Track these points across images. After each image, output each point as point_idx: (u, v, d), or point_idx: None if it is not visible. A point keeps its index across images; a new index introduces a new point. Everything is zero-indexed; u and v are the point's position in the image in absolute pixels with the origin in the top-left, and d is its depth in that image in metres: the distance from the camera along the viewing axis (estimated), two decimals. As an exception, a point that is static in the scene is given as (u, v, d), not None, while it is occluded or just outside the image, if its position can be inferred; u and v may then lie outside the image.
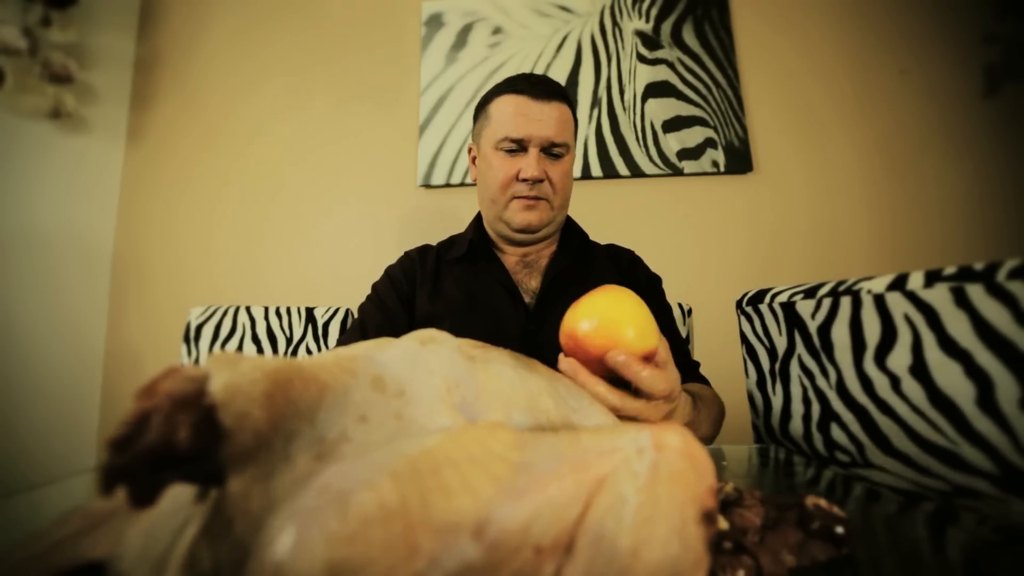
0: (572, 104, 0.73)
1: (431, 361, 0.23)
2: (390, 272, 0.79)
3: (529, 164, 0.67)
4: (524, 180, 0.69)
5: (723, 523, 0.23)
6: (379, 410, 0.19)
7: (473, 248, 0.76)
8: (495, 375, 0.25)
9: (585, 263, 0.76)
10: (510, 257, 0.77)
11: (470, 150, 0.79)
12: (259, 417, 0.15)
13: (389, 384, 0.21)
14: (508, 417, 0.23)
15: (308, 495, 0.14)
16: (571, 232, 0.79)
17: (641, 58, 1.43)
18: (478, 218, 0.81)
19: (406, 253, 0.82)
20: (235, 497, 0.15)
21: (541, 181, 0.69)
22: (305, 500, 0.14)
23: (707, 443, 0.59)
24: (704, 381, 0.72)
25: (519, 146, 0.69)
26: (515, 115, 0.68)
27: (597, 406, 0.30)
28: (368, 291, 0.80)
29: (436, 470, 0.15)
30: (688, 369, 0.71)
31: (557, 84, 0.72)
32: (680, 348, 0.72)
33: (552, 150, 0.69)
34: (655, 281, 0.79)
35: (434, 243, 0.84)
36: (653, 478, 0.16)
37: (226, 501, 0.15)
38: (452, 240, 0.83)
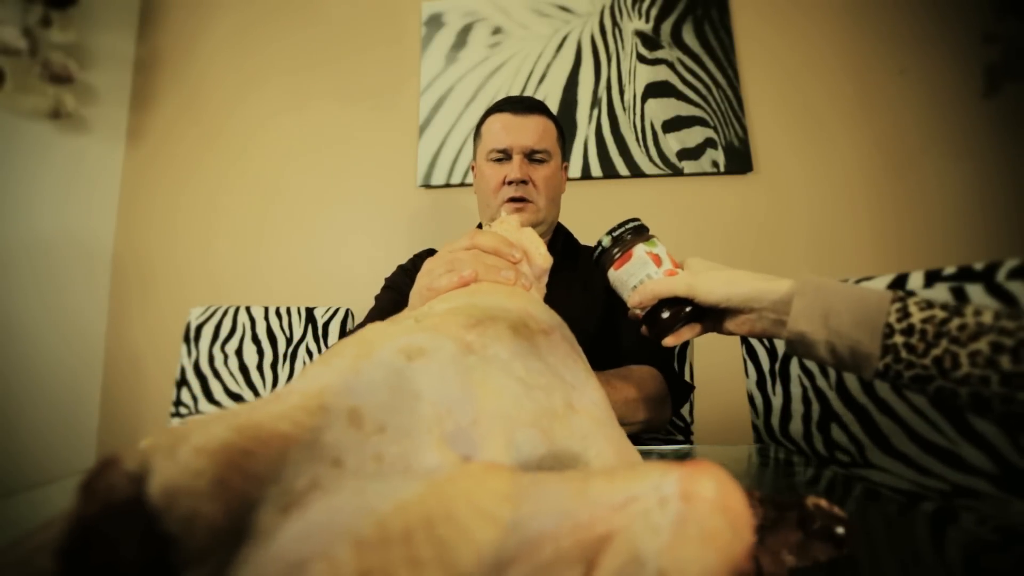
0: (554, 117, 0.84)
1: (418, 382, 0.20)
2: (402, 265, 0.88)
3: (513, 168, 0.78)
4: (510, 183, 0.78)
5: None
6: (355, 451, 0.17)
7: None
8: (495, 392, 0.22)
9: (573, 260, 0.84)
10: None
11: (472, 167, 0.89)
12: (211, 513, 0.13)
13: (367, 418, 0.18)
14: (511, 440, 0.21)
15: (260, 565, 0.13)
16: (558, 234, 0.87)
17: (641, 58, 1.43)
18: (479, 225, 0.88)
19: (416, 254, 0.90)
20: None
21: (525, 183, 0.78)
22: (256, 570, 0.13)
23: (623, 423, 0.60)
24: (666, 366, 0.74)
25: (505, 155, 0.79)
26: (500, 130, 0.79)
27: (592, 380, 0.29)
28: (370, 291, 0.85)
29: (407, 536, 0.13)
30: (641, 353, 0.73)
31: (537, 101, 0.83)
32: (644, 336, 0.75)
33: (534, 155, 0.79)
34: None
35: (438, 247, 0.90)
36: (679, 537, 0.13)
37: None
38: None
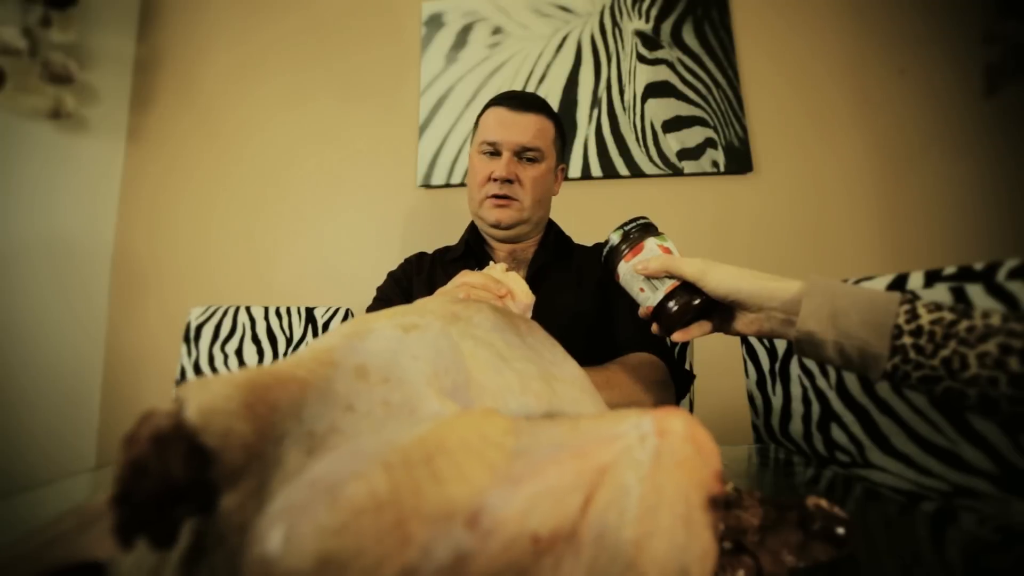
0: (555, 117, 0.82)
1: (415, 347, 0.23)
2: (392, 273, 0.87)
3: (500, 165, 0.76)
4: (495, 180, 0.76)
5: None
6: (365, 398, 0.19)
7: (469, 247, 0.84)
8: (483, 364, 0.24)
9: (566, 257, 0.84)
10: (500, 253, 0.84)
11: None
12: (243, 430, 0.15)
13: (372, 372, 0.20)
14: (505, 405, 0.23)
15: (298, 490, 0.14)
16: (548, 231, 0.87)
17: (641, 58, 1.43)
18: (473, 223, 0.88)
19: (405, 259, 0.89)
20: (229, 512, 0.14)
21: (511, 182, 0.77)
22: (295, 494, 0.14)
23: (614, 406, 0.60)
24: (665, 356, 0.73)
25: (495, 149, 0.77)
26: (494, 123, 0.78)
27: (571, 361, 0.31)
28: (370, 291, 0.85)
29: (429, 458, 0.15)
30: (638, 341, 0.72)
31: (537, 98, 0.81)
32: (641, 324, 0.74)
33: (525, 154, 0.77)
34: None
35: (430, 249, 0.92)
36: (656, 466, 0.15)
37: (219, 517, 0.14)
38: (447, 248, 0.91)
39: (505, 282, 0.47)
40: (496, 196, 0.77)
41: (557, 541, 0.15)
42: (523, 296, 0.47)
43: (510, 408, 0.23)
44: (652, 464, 0.15)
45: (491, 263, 0.58)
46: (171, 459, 0.14)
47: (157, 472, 0.14)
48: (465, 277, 0.47)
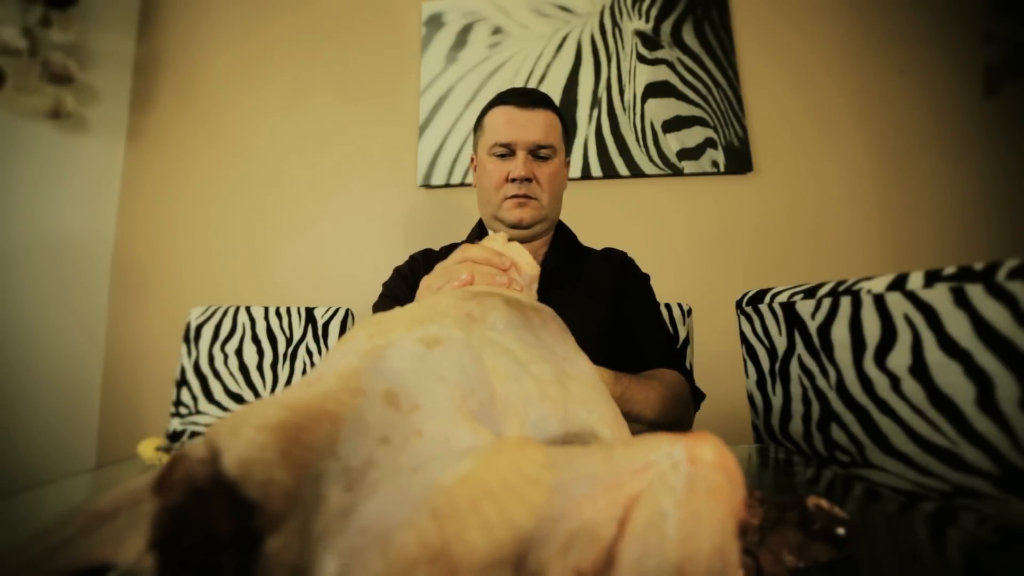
0: (558, 111, 0.82)
1: (441, 367, 0.23)
2: (399, 269, 0.86)
3: (517, 165, 0.75)
4: (513, 180, 0.75)
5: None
6: (399, 429, 0.19)
7: None
8: (503, 374, 0.25)
9: (577, 263, 0.82)
10: None
11: (472, 159, 0.87)
12: (283, 479, 0.15)
13: (402, 398, 0.20)
14: (526, 415, 0.23)
15: (349, 535, 0.15)
16: (560, 233, 0.85)
17: (641, 58, 1.43)
18: (480, 222, 0.87)
19: (411, 255, 0.88)
20: (273, 553, 0.15)
21: (529, 181, 0.76)
22: (347, 540, 0.15)
23: (646, 421, 0.63)
24: (683, 372, 0.75)
25: (508, 150, 0.76)
26: (504, 123, 0.77)
27: (583, 356, 0.31)
28: (370, 291, 0.84)
29: (474, 504, 0.15)
30: (664, 356, 0.75)
31: (542, 94, 0.81)
32: (662, 339, 0.77)
33: (539, 152, 0.77)
34: (643, 279, 0.85)
35: (435, 247, 0.90)
36: (690, 492, 0.16)
37: (263, 559, 0.15)
38: (453, 246, 0.89)
39: (508, 254, 0.46)
40: (516, 196, 0.76)
41: (597, 569, 0.15)
42: (528, 268, 0.46)
43: (530, 418, 0.24)
44: (686, 490, 0.16)
45: (490, 233, 0.56)
46: (213, 510, 0.15)
47: (199, 522, 0.15)
48: (466, 252, 0.45)
